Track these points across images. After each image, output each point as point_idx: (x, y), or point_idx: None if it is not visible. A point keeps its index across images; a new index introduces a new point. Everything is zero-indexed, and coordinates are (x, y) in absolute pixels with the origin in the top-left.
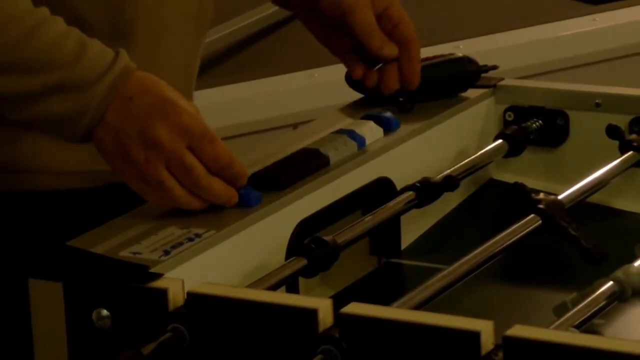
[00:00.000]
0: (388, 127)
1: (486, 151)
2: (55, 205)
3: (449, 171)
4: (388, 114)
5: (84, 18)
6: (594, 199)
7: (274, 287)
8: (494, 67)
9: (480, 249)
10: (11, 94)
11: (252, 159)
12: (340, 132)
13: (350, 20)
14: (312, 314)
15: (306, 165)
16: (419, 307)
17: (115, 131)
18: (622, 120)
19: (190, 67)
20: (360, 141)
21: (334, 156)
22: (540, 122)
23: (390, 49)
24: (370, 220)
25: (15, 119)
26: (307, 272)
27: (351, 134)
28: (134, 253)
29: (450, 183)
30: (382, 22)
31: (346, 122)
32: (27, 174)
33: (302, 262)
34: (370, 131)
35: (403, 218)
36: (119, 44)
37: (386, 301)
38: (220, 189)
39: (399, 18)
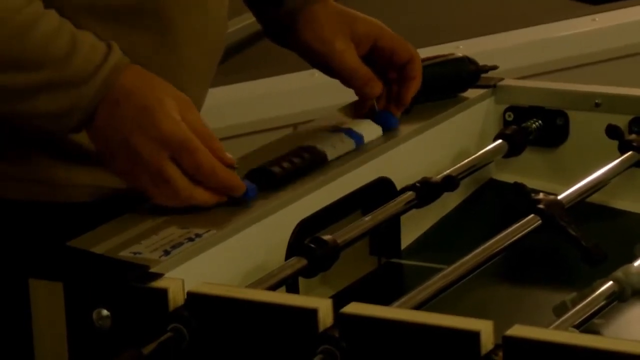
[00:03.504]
0: (387, 125)
1: (486, 151)
2: (52, 217)
3: (448, 171)
4: (387, 113)
5: None
6: (594, 199)
7: (274, 287)
8: (494, 67)
9: (480, 249)
10: (1, 91)
11: (252, 158)
12: (338, 130)
13: (331, 66)
14: (312, 314)
15: (303, 162)
16: (419, 307)
17: (103, 134)
18: (621, 120)
19: (201, 95)
20: (357, 139)
21: (331, 153)
22: (540, 122)
23: (371, 88)
24: (370, 220)
25: (7, 113)
26: (307, 272)
27: (348, 132)
28: (134, 253)
29: (450, 183)
30: (375, 55)
31: (345, 121)
32: (27, 183)
33: (302, 262)
34: (369, 129)
35: (403, 218)
36: None
37: (386, 301)
38: (204, 197)
39: (390, 49)
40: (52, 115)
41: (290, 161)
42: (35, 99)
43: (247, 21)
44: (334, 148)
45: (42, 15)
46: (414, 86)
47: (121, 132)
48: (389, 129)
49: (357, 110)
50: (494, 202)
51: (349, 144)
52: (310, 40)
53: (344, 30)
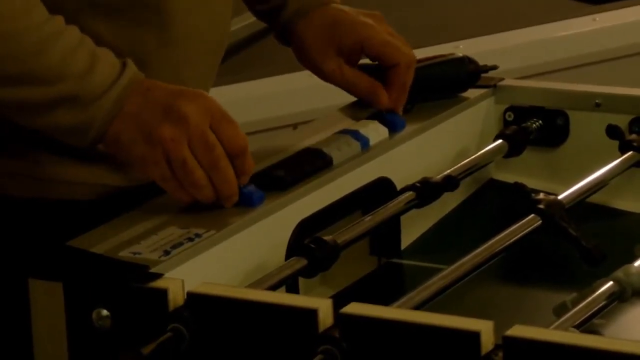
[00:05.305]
0: (394, 127)
1: (486, 151)
2: (52, 215)
3: (449, 171)
4: (394, 114)
5: (106, 44)
6: (594, 199)
7: (274, 287)
8: (494, 67)
9: (480, 249)
10: (19, 104)
11: (254, 158)
12: (345, 132)
13: (329, 82)
14: (312, 314)
15: (309, 165)
16: (419, 307)
17: (137, 116)
18: (622, 120)
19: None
20: (363, 141)
21: (337, 157)
22: (540, 122)
23: (376, 98)
24: (370, 220)
25: (24, 125)
26: (307, 272)
27: (355, 134)
28: (134, 253)
29: (450, 183)
30: (367, 57)
31: (351, 122)
32: (26, 179)
33: (302, 262)
34: (375, 131)
35: (403, 218)
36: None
37: (386, 301)
38: (233, 175)
39: (376, 55)
40: (69, 129)
41: (297, 165)
42: (52, 114)
43: (247, 21)
44: (339, 151)
45: (63, 31)
46: (393, 93)
47: (161, 103)
48: (395, 131)
49: (360, 109)
50: (494, 202)
51: (355, 147)
52: (302, 62)
53: (331, 47)
